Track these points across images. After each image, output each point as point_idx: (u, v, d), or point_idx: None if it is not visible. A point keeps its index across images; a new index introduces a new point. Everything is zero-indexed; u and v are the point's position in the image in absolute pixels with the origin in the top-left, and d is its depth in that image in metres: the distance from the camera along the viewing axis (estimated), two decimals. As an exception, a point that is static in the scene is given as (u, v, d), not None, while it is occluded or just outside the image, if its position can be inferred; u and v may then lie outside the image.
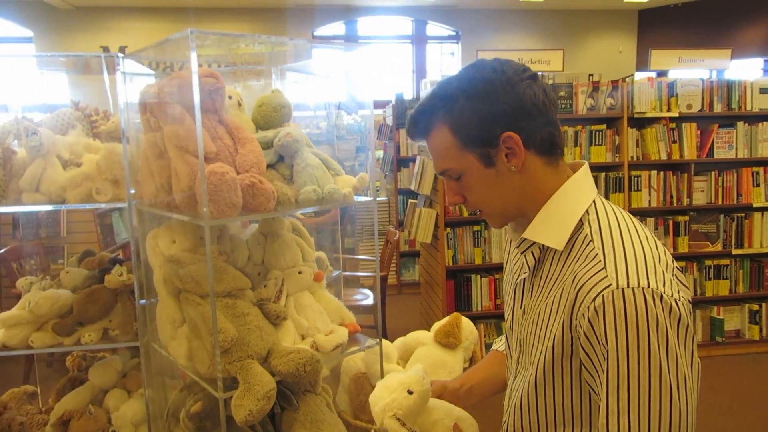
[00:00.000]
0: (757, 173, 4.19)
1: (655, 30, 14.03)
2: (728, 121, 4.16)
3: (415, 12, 13.74)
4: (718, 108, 4.13)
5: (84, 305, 1.81)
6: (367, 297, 4.53)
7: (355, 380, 2.08)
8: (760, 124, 4.18)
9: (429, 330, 2.21)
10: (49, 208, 1.78)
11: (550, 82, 4.21)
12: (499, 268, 3.96)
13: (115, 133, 2.02)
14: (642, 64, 14.36)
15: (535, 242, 1.02)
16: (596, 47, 13.69)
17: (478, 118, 0.97)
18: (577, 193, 1.01)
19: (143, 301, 1.88)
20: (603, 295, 0.86)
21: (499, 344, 1.44)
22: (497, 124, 0.96)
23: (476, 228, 3.91)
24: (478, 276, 3.93)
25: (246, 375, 1.47)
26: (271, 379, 1.49)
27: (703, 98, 4.11)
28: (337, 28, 13.80)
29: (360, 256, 5.12)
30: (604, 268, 0.89)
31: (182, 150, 1.47)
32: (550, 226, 0.99)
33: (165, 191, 1.61)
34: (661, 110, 4.07)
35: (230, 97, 1.77)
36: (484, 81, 0.96)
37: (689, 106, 4.10)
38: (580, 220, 0.98)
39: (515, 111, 0.96)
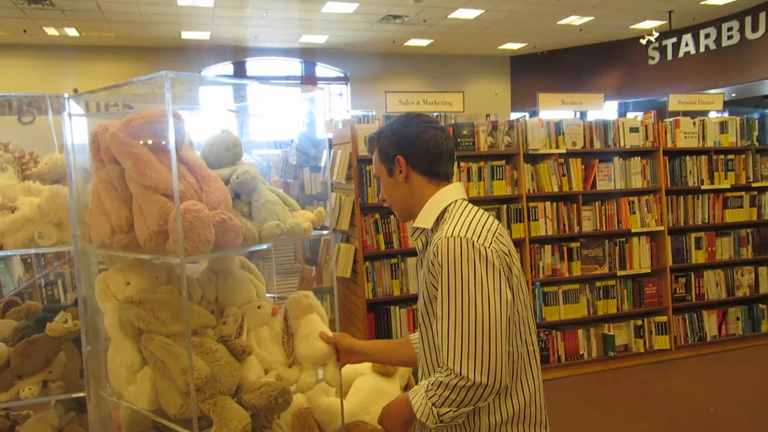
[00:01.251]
0: (633, 202, 4.73)
1: (525, 74, 15.35)
2: (606, 156, 4.68)
3: (304, 54, 14.02)
4: (597, 145, 4.64)
5: (23, 357, 1.70)
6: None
7: (298, 416, 2.10)
8: (631, 158, 4.75)
9: (363, 361, 2.28)
10: (-14, 253, 1.67)
11: (452, 121, 4.52)
12: (416, 299, 4.12)
13: (48, 175, 1.94)
14: (515, 105, 15.63)
15: (420, 229, 1.50)
16: (475, 89, 14.69)
17: (387, 143, 1.53)
18: (444, 196, 1.50)
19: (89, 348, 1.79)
20: (437, 243, 1.36)
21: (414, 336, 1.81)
22: (395, 149, 1.51)
23: (393, 261, 4.05)
24: (397, 307, 4.07)
25: (221, 411, 1.47)
26: (246, 414, 1.49)
27: (584, 136, 4.61)
28: (225, 68, 13.70)
29: (273, 295, 5.06)
30: (445, 230, 1.37)
31: (150, 189, 1.47)
32: (425, 216, 1.49)
33: (123, 232, 1.58)
34: (551, 147, 4.50)
35: (182, 137, 1.78)
36: (399, 124, 1.53)
37: (574, 143, 4.57)
38: (445, 209, 1.46)
39: (406, 144, 1.50)
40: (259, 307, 1.80)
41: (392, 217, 4.04)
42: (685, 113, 5.29)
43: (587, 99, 4.87)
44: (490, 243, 1.35)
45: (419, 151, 1.48)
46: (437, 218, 1.46)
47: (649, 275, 4.85)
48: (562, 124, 4.54)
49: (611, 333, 4.65)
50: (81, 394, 1.76)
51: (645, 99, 14.11)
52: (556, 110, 5.18)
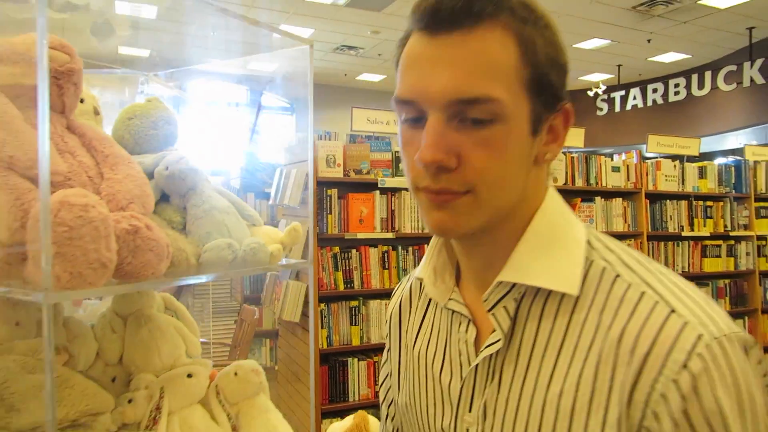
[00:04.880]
0: (614, 247, 4.31)
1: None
2: (588, 196, 4.27)
3: (250, 81, 13.39)
4: (579, 182, 4.23)
5: None
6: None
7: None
8: (613, 199, 4.36)
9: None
10: None
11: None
12: (378, 349, 3.47)
13: None
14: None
15: (526, 288, 0.65)
16: (428, 129, 14.41)
17: (559, 63, 0.63)
18: (569, 213, 0.68)
19: None
20: (701, 354, 0.54)
21: None
22: (564, 89, 0.64)
23: (353, 303, 3.41)
24: (356, 359, 3.40)
25: None
26: None
27: (566, 172, 4.18)
28: (168, 89, 12.87)
29: (204, 339, 4.29)
30: (674, 311, 0.57)
31: (1, 167, 0.81)
32: (547, 260, 0.64)
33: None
34: (531, 182, 4.04)
35: (82, 100, 1.14)
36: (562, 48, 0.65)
37: (555, 180, 4.13)
38: (588, 252, 0.65)
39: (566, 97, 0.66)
40: (189, 376, 1.14)
41: (354, 251, 3.42)
42: (665, 157, 5.00)
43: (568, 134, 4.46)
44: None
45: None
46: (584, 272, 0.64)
47: (629, 328, 4.40)
48: (543, 157, 4.11)
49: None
50: None
51: (590, 149, 14.25)
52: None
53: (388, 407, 0.91)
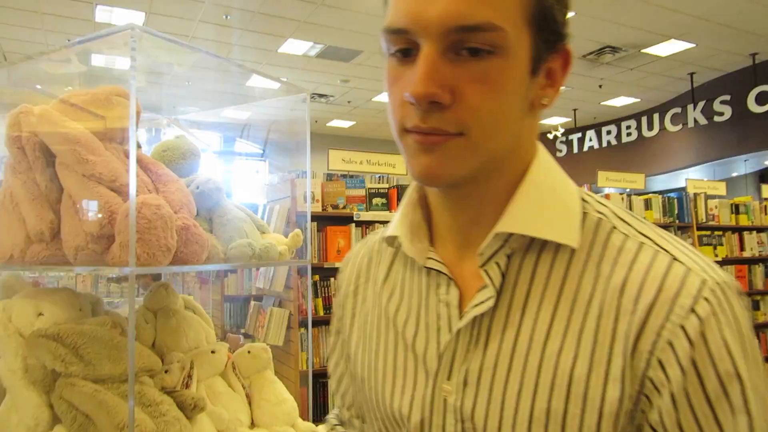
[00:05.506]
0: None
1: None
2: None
3: (224, 128, 13.75)
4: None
5: None
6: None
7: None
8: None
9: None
10: None
11: (395, 183, 4.37)
12: (355, 371, 3.72)
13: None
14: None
15: (506, 242, 0.61)
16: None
17: (564, 3, 0.60)
18: (560, 167, 0.66)
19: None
20: (707, 298, 0.53)
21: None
22: (565, 26, 0.61)
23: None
24: (335, 380, 3.65)
25: (168, 486, 1.07)
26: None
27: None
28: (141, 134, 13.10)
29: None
30: (675, 259, 0.56)
31: (92, 180, 1.12)
32: (548, 211, 0.61)
33: (43, 241, 1.20)
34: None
35: (128, 137, 1.45)
36: None
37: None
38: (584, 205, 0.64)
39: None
40: (213, 352, 1.42)
41: (332, 279, 3.70)
42: (614, 191, 5.47)
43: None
44: None
45: None
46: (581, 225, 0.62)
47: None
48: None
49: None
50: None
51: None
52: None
53: (344, 397, 0.82)
